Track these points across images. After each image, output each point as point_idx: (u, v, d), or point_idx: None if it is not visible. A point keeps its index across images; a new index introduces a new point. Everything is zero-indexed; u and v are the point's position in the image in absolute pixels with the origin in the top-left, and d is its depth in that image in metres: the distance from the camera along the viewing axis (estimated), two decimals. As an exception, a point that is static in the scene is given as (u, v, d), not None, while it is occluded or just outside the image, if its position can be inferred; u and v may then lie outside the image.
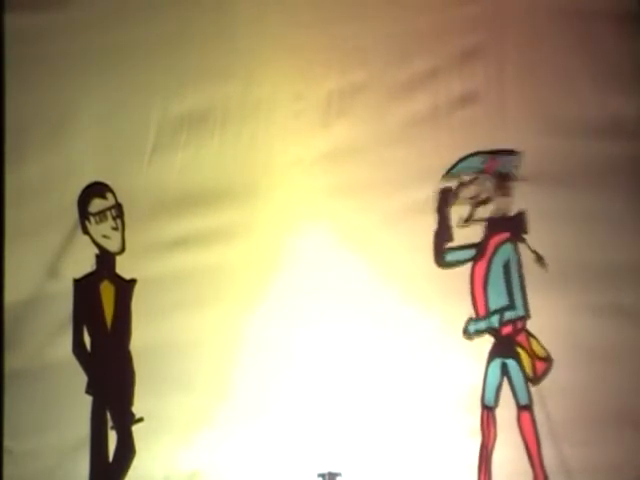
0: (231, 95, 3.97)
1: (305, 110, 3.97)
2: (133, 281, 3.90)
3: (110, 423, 3.86)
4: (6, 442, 3.85)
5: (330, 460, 3.81)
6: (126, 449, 3.85)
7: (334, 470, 3.80)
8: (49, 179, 3.96)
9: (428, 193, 3.91)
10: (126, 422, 3.85)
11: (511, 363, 3.83)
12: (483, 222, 3.90)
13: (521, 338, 3.84)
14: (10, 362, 3.87)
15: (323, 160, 3.96)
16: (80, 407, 3.87)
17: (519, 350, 3.83)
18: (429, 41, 3.98)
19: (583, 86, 3.93)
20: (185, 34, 3.98)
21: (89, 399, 3.87)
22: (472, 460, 3.81)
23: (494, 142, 3.91)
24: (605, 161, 3.87)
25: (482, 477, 3.80)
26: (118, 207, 3.93)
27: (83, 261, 3.93)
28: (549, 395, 3.81)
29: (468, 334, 3.85)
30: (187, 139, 3.97)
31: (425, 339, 3.85)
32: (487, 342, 3.86)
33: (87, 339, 3.90)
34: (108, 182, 3.96)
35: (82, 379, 3.88)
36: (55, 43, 3.95)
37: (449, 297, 3.86)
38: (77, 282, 3.90)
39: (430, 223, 3.91)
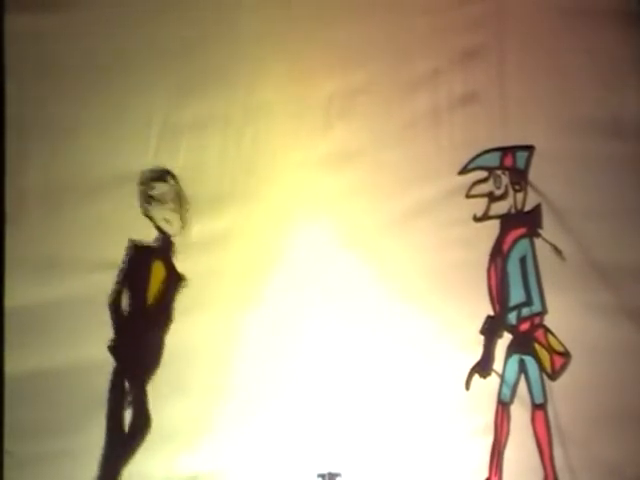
0: (232, 98, 3.96)
1: (306, 113, 3.96)
2: (184, 278, 3.90)
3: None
4: (6, 445, 3.83)
5: (330, 460, 3.81)
6: (142, 419, 3.84)
7: (334, 470, 3.79)
8: (49, 182, 3.94)
9: (430, 194, 3.91)
10: (142, 395, 3.85)
11: (529, 360, 3.84)
12: (499, 218, 3.89)
13: (539, 334, 3.85)
14: (11, 364, 3.86)
15: (325, 163, 3.95)
16: (82, 411, 3.84)
17: (537, 347, 3.82)
18: (430, 42, 3.98)
19: (584, 85, 3.94)
20: (186, 38, 3.95)
21: (90, 402, 3.85)
22: (472, 460, 3.81)
23: (495, 142, 3.93)
24: (606, 160, 3.87)
25: (493, 472, 3.80)
26: (179, 192, 3.93)
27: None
28: (557, 393, 3.80)
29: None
30: (189, 143, 3.95)
31: (426, 339, 3.84)
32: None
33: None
34: (109, 185, 3.95)
35: (83, 382, 3.86)
36: (56, 45, 3.91)
37: (450, 297, 3.85)
38: (133, 247, 3.89)
39: (432, 224, 3.90)
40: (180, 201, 3.94)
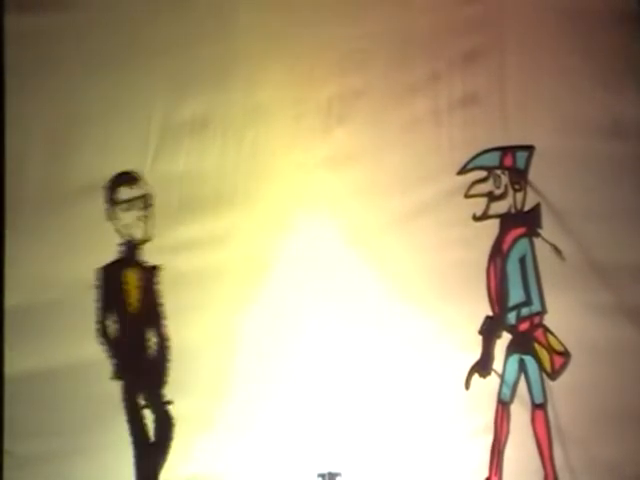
0: (232, 100, 3.96)
1: (306, 114, 3.97)
2: (157, 267, 3.90)
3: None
4: (6, 445, 3.83)
5: (330, 460, 3.80)
6: (165, 422, 3.85)
7: (334, 470, 3.79)
8: (49, 182, 3.94)
9: (430, 194, 3.91)
10: (159, 400, 3.86)
11: (528, 360, 3.84)
12: (498, 218, 3.90)
13: (538, 334, 3.85)
14: (10, 364, 3.86)
15: (324, 164, 3.96)
16: (81, 411, 3.85)
17: (536, 347, 3.83)
18: (430, 43, 3.99)
19: (584, 86, 3.94)
20: (185, 39, 3.97)
21: (89, 402, 3.85)
22: (472, 460, 3.82)
23: (495, 143, 3.93)
24: (606, 160, 3.88)
25: (493, 472, 3.80)
26: (146, 196, 3.92)
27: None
28: (557, 393, 3.81)
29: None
30: (189, 145, 3.96)
31: (426, 339, 3.84)
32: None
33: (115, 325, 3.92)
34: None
35: (83, 382, 3.86)
36: (56, 45, 3.94)
37: (449, 297, 3.85)
38: (101, 270, 3.89)
39: (431, 224, 3.91)
40: (145, 206, 3.92)
